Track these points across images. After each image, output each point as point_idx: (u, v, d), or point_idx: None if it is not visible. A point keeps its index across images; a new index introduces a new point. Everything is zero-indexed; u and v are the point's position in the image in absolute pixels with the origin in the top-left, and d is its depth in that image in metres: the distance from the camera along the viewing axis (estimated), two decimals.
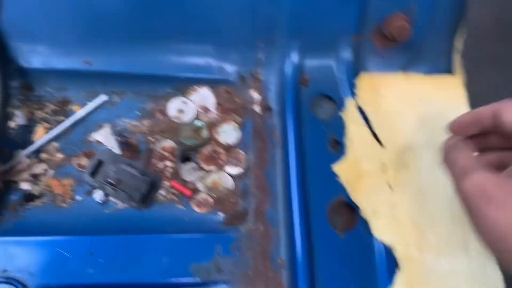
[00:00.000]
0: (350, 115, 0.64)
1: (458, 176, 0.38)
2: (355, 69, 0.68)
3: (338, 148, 0.64)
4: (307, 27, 0.65)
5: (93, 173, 0.61)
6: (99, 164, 0.61)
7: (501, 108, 0.38)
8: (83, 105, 0.65)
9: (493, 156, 0.43)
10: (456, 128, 0.44)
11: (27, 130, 0.62)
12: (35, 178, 0.60)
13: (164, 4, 0.61)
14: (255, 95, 0.68)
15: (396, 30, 0.64)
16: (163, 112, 0.66)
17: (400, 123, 0.64)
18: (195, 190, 0.62)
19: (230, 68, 0.68)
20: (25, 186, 0.59)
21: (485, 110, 0.40)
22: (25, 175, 0.59)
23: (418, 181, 0.61)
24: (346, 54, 0.67)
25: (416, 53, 0.70)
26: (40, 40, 0.62)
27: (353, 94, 0.66)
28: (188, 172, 0.63)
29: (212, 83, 0.68)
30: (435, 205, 0.59)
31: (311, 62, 0.68)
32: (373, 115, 0.64)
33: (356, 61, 0.68)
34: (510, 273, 0.35)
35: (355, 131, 0.63)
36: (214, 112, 0.67)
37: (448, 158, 0.42)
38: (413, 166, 0.62)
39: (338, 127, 0.65)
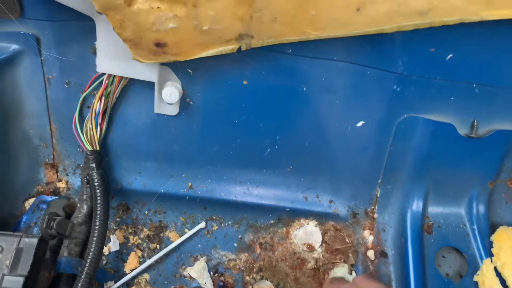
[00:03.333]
0: (486, 280, 0.54)
1: None
2: (488, 220, 0.58)
3: None
4: (437, 170, 0.57)
5: None
6: None
7: None
8: (179, 231, 0.59)
9: None
10: None
11: (119, 257, 0.57)
12: None
13: (282, 136, 0.56)
14: (369, 236, 0.60)
15: None
16: (262, 246, 0.59)
17: None
18: None
19: (341, 203, 0.61)
20: None
21: None
22: None
23: None
24: (480, 204, 0.58)
25: None
26: (147, 162, 0.58)
27: (488, 252, 0.56)
28: None
29: (319, 218, 0.60)
30: None
31: (437, 208, 0.59)
32: None
33: (490, 210, 0.58)
34: None
35: None
36: (318, 251, 0.59)
37: None
38: None
39: None
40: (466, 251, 0.57)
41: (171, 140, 0.57)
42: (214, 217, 0.60)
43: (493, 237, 0.57)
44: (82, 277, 0.49)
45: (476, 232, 0.58)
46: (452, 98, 0.52)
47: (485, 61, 0.50)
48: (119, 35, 0.46)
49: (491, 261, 0.55)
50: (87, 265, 0.50)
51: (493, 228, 0.58)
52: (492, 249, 0.56)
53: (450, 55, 0.49)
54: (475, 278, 0.55)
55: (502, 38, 0.48)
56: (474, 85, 0.51)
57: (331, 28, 0.46)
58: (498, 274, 0.55)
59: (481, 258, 0.56)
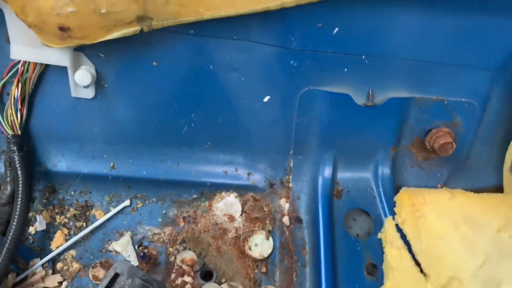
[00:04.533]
0: (388, 237, 0.58)
1: None
2: (393, 183, 0.63)
3: (375, 274, 0.57)
4: (342, 138, 0.62)
5: (108, 287, 0.57)
6: (115, 277, 0.58)
7: None
8: (105, 209, 0.62)
9: None
10: None
11: (46, 236, 0.60)
12: None
13: (197, 114, 0.60)
14: (285, 204, 0.64)
15: (439, 146, 0.59)
16: (185, 219, 0.63)
17: (445, 248, 0.58)
18: None
19: (258, 175, 0.65)
20: None
21: None
22: None
23: None
24: (385, 167, 0.63)
25: (461, 166, 0.65)
26: (69, 144, 0.61)
27: (392, 212, 0.60)
28: None
29: (239, 190, 0.64)
30: None
31: (346, 173, 0.63)
32: (414, 238, 0.58)
33: (394, 173, 0.63)
34: None
35: (394, 257, 0.57)
36: (239, 221, 0.63)
37: None
38: None
39: (375, 248, 0.59)
40: (373, 212, 0.62)
41: (90, 122, 0.60)
42: (138, 195, 0.63)
43: (396, 198, 0.61)
44: (3, 252, 0.52)
45: (382, 194, 0.62)
46: (345, 70, 0.57)
47: (370, 32, 0.55)
48: (23, 21, 0.49)
49: (393, 219, 0.60)
50: (8, 240, 0.52)
51: (398, 190, 0.63)
52: (395, 209, 0.61)
53: (336, 29, 0.54)
54: (379, 235, 0.60)
55: (384, 9, 0.53)
56: (363, 56, 0.56)
57: (222, 7, 0.50)
58: (400, 230, 0.59)
59: (386, 217, 0.61)
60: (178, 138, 0.61)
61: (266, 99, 0.59)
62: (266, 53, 0.56)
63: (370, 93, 0.59)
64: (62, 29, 0.51)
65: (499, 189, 0.65)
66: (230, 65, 0.57)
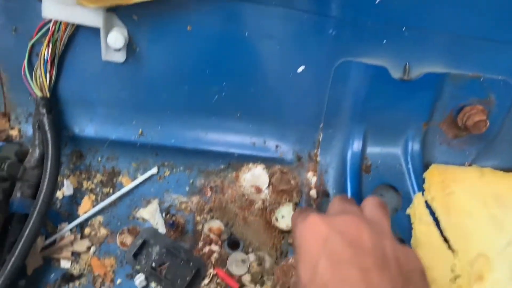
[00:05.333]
0: (417, 213, 0.58)
1: (293, 225, 0.42)
2: (423, 160, 0.62)
3: None
4: (374, 112, 0.61)
5: (136, 254, 0.57)
6: (143, 244, 0.58)
7: None
8: (132, 176, 0.62)
9: None
10: None
11: (73, 201, 0.59)
12: (76, 256, 0.57)
13: (228, 83, 0.58)
14: (312, 177, 0.64)
15: (472, 124, 0.59)
16: (212, 189, 0.62)
17: (473, 226, 0.58)
18: (242, 284, 0.57)
19: (286, 147, 0.64)
20: (65, 264, 0.56)
21: None
22: (67, 252, 0.56)
23: None
24: (415, 143, 0.62)
25: (490, 145, 0.65)
26: (97, 108, 0.60)
27: (421, 188, 0.60)
28: (236, 264, 0.58)
29: (266, 162, 0.64)
30: None
31: (375, 148, 0.63)
32: (443, 215, 0.58)
33: (424, 150, 0.63)
34: None
35: (423, 232, 0.57)
36: (265, 193, 0.63)
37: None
38: (488, 277, 0.55)
39: (403, 224, 0.59)
40: (401, 188, 0.62)
41: (120, 87, 0.58)
42: (166, 163, 0.63)
43: (425, 174, 0.61)
44: (34, 214, 0.52)
45: (411, 171, 0.62)
46: (384, 41, 0.56)
47: (413, 3, 0.53)
48: None
49: (422, 195, 0.60)
50: (38, 203, 0.52)
51: (426, 167, 0.63)
52: (424, 185, 0.60)
53: None
54: (408, 211, 0.60)
55: None
56: (404, 28, 0.55)
57: None
58: (428, 207, 0.59)
59: (415, 194, 0.61)
60: (208, 106, 0.60)
61: (300, 69, 0.58)
62: (304, 21, 0.54)
63: (407, 67, 0.58)
64: None
65: None
66: (266, 33, 0.55)
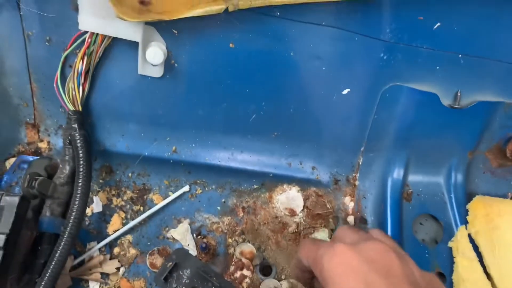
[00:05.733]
0: (460, 247, 0.56)
1: (318, 257, 0.38)
2: (465, 190, 0.60)
3: (444, 283, 0.55)
4: (418, 139, 0.58)
5: (167, 277, 0.55)
6: (174, 267, 0.56)
7: (300, 256, 0.41)
8: (163, 194, 0.59)
9: None
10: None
11: (102, 218, 0.57)
12: (105, 277, 0.55)
13: (267, 103, 0.56)
14: (349, 202, 0.61)
15: None
16: (245, 210, 0.60)
17: None
18: None
19: (323, 169, 0.61)
20: (94, 286, 0.54)
21: (294, 267, 0.44)
22: (96, 274, 0.54)
23: None
24: (459, 173, 0.59)
25: None
26: (130, 124, 0.57)
27: (463, 220, 0.58)
28: None
29: (301, 184, 0.61)
30: None
31: (417, 177, 0.60)
32: (487, 250, 0.55)
33: (467, 179, 0.60)
34: None
35: (465, 268, 0.55)
36: (300, 216, 0.60)
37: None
38: None
39: (444, 257, 0.56)
40: (443, 218, 0.59)
41: (155, 103, 0.56)
42: (198, 181, 0.60)
43: (469, 206, 0.59)
44: (65, 236, 0.50)
45: (453, 201, 0.59)
46: (437, 67, 0.53)
47: (472, 31, 0.50)
48: None
49: (466, 228, 0.57)
50: (69, 224, 0.50)
51: (469, 197, 0.60)
52: (467, 217, 0.58)
53: (438, 24, 0.49)
54: (450, 244, 0.57)
55: (490, 8, 0.48)
56: (460, 56, 0.52)
57: None
58: (471, 241, 0.57)
59: (457, 226, 0.58)
60: (244, 125, 0.58)
61: (345, 91, 0.55)
62: (355, 43, 0.51)
63: (459, 94, 0.55)
64: (142, 2, 0.46)
65: None
66: (313, 53, 0.52)
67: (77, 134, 0.53)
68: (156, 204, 0.58)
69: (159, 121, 0.57)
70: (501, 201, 0.59)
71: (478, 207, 0.58)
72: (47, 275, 0.48)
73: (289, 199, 0.61)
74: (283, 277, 0.58)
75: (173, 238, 0.58)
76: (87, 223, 0.56)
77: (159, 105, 0.56)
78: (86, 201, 0.52)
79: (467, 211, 0.59)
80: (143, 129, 0.57)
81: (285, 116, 0.57)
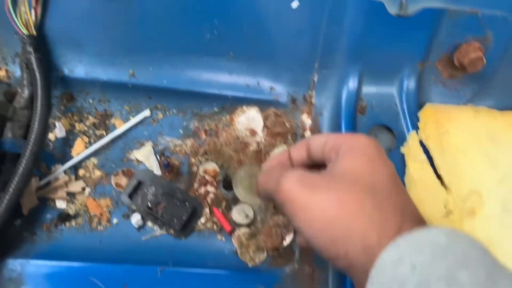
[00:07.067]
0: (411, 151, 0.59)
1: (274, 184, 0.36)
2: (418, 99, 0.62)
3: None
4: (370, 52, 0.60)
5: (131, 194, 0.57)
6: (138, 185, 0.58)
7: (309, 139, 0.40)
8: (125, 119, 0.61)
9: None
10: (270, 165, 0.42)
11: (66, 143, 0.59)
12: (71, 196, 0.56)
13: (220, 20, 0.57)
14: (307, 120, 0.63)
15: (469, 61, 0.58)
16: (207, 132, 0.62)
17: (467, 163, 0.58)
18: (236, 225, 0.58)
19: (281, 89, 0.63)
20: (61, 204, 0.56)
21: (296, 146, 0.42)
22: (62, 193, 0.56)
23: (486, 231, 0.55)
24: (410, 83, 0.61)
25: (486, 85, 0.64)
26: (87, 49, 0.58)
27: (415, 127, 0.60)
28: (239, 213, 0.58)
29: (261, 104, 0.63)
30: (506, 260, 0.53)
31: (370, 88, 0.62)
32: (437, 153, 0.58)
33: (419, 90, 0.62)
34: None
35: (416, 170, 0.57)
36: (260, 135, 0.62)
37: (262, 179, 0.39)
38: (479, 213, 0.56)
39: (397, 162, 0.59)
40: (396, 128, 0.61)
41: (109, 26, 0.57)
42: (159, 106, 0.62)
43: (420, 113, 0.61)
44: (27, 153, 0.51)
45: (406, 110, 0.62)
46: None
47: None
48: None
49: (417, 133, 0.60)
50: (30, 143, 0.51)
51: (421, 107, 0.62)
52: (418, 123, 0.60)
53: None
54: (402, 149, 0.60)
55: None
56: None
57: None
58: (423, 146, 0.59)
59: (409, 133, 0.61)
60: (200, 46, 0.59)
61: (294, 5, 0.56)
62: None
63: (403, 2, 0.56)
64: None
65: None
66: None
67: (32, 57, 0.54)
68: (118, 128, 0.60)
69: (115, 45, 0.58)
70: (450, 107, 0.62)
71: (429, 114, 0.61)
72: (10, 190, 0.49)
73: (249, 120, 0.63)
74: None
75: (137, 160, 0.59)
76: (51, 147, 0.58)
77: (114, 28, 0.57)
78: (46, 121, 0.53)
79: (418, 119, 0.61)
80: (100, 53, 0.58)
81: (239, 34, 0.59)
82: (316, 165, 0.40)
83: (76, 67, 0.59)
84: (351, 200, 0.32)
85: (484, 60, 0.58)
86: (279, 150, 0.61)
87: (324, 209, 0.32)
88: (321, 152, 0.38)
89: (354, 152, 0.35)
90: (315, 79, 0.62)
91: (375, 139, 0.37)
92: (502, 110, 0.63)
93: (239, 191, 0.52)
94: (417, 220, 0.33)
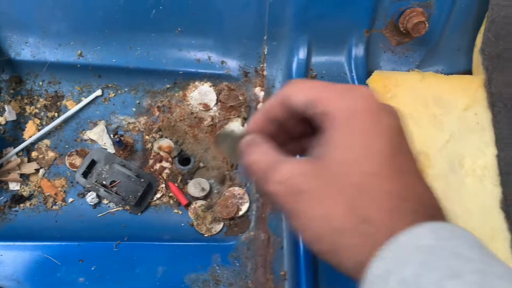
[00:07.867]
0: None
1: (262, 174, 0.32)
2: (366, 67, 0.63)
3: None
4: (316, 21, 0.60)
5: (86, 173, 0.58)
6: (92, 164, 0.58)
7: (289, 94, 0.33)
8: (76, 100, 0.61)
9: (293, 146, 0.37)
10: (253, 129, 0.36)
11: (17, 126, 0.59)
12: (25, 178, 0.57)
13: None
14: (260, 92, 0.64)
15: (412, 26, 0.59)
16: (160, 109, 0.62)
17: (414, 126, 0.60)
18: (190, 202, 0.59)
19: (232, 63, 0.64)
20: (14, 186, 0.56)
21: (274, 102, 0.35)
22: (15, 175, 0.56)
23: None
24: (358, 51, 0.63)
25: (432, 51, 0.66)
26: (31, 30, 0.58)
27: None
28: (195, 187, 0.59)
29: (213, 79, 0.64)
30: (452, 218, 0.55)
31: (320, 58, 0.63)
32: None
33: (367, 58, 0.64)
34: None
35: None
36: (214, 110, 0.63)
37: (247, 158, 0.34)
38: (428, 172, 0.58)
39: None
40: None
41: (53, 5, 0.56)
42: (110, 85, 0.62)
43: (368, 80, 0.62)
44: None
45: (355, 78, 0.63)
46: None
47: None
48: None
49: None
50: None
51: (370, 75, 0.63)
52: None
53: None
54: None
55: None
56: None
57: None
58: None
59: None
60: (146, 22, 0.59)
61: None
62: None
63: None
64: None
65: (468, 73, 0.67)
66: None
67: None
68: (70, 109, 0.60)
69: (60, 25, 0.58)
70: (398, 73, 0.64)
71: (377, 80, 0.62)
72: None
73: (202, 94, 0.63)
74: (201, 165, 0.61)
75: (91, 140, 0.60)
76: (2, 131, 0.58)
77: (58, 7, 0.57)
78: None
79: (367, 85, 0.62)
80: (45, 34, 0.58)
81: (186, 8, 0.59)
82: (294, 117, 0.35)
83: (23, 50, 0.58)
84: (340, 212, 0.28)
85: (427, 24, 0.60)
86: (233, 124, 0.62)
87: (313, 221, 0.29)
88: (304, 111, 0.33)
89: (346, 127, 0.30)
90: (265, 51, 0.63)
91: (373, 94, 0.32)
92: (448, 74, 0.64)
93: (224, 150, 0.50)
94: (417, 206, 0.29)
